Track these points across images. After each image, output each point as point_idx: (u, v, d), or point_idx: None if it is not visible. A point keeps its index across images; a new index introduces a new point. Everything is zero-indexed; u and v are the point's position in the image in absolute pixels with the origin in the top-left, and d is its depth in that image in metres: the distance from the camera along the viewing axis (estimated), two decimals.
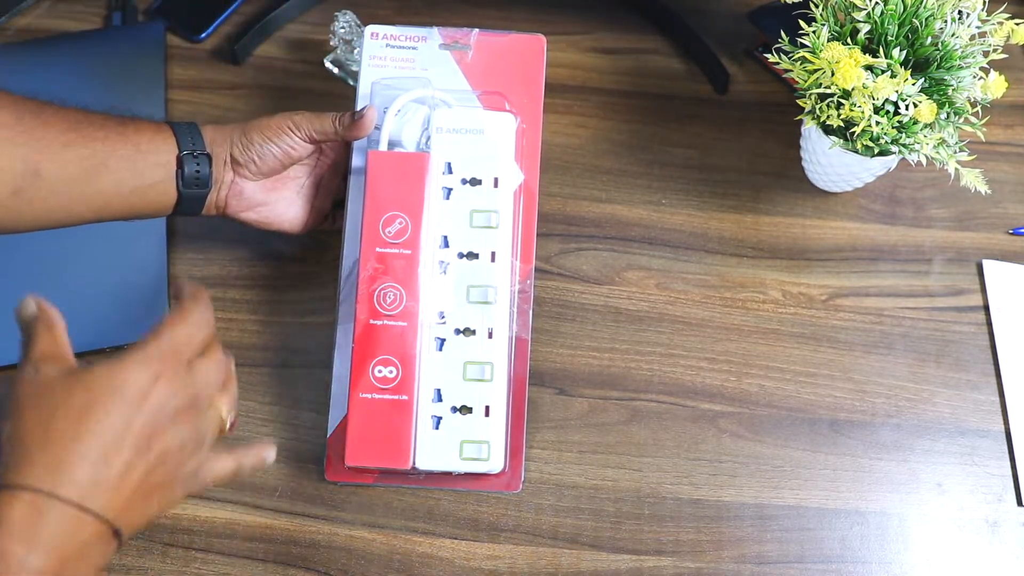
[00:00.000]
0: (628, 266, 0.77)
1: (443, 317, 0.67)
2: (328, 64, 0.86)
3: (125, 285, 0.74)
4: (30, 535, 0.44)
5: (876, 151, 0.70)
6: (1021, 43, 0.69)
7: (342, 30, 0.83)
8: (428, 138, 0.69)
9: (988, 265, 0.78)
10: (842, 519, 0.68)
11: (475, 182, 0.69)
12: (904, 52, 0.69)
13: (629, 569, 0.66)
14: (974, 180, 0.69)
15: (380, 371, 0.65)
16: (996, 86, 0.69)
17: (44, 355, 0.48)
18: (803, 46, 0.69)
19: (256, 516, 0.67)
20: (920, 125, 0.68)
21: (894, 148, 0.69)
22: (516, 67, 0.73)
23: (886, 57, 0.68)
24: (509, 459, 0.67)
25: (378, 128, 0.69)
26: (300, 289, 0.75)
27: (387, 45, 0.73)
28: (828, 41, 0.69)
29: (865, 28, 0.69)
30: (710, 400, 0.72)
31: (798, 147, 0.80)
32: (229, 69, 0.87)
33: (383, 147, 0.69)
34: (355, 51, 0.84)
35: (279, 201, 0.71)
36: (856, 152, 0.71)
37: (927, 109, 0.66)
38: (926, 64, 0.69)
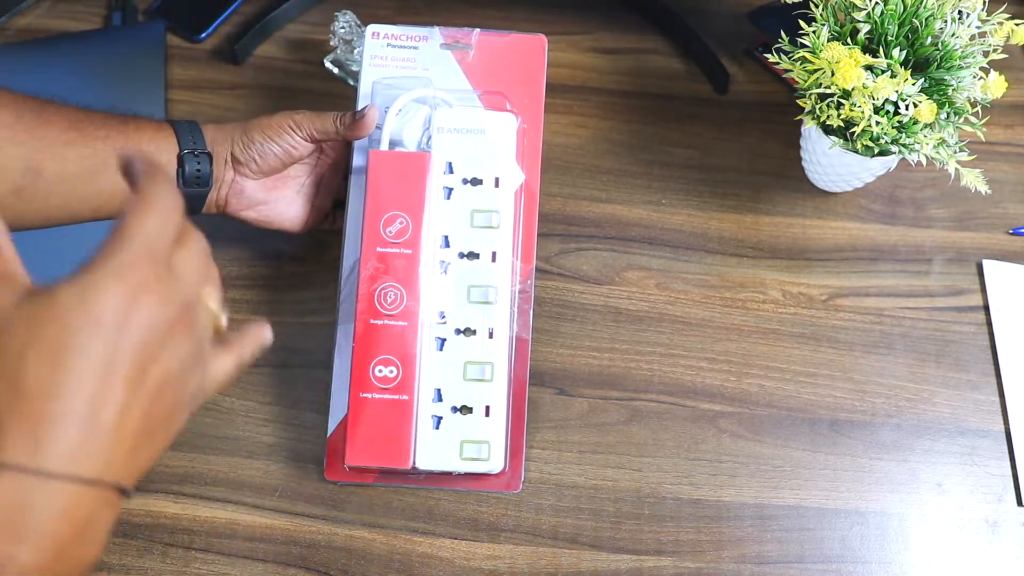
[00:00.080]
0: (628, 266, 0.77)
1: (443, 317, 0.67)
2: (328, 64, 0.86)
3: None
4: (15, 525, 0.36)
5: (876, 151, 0.70)
6: (1021, 43, 0.69)
7: (342, 30, 0.83)
8: (429, 138, 0.69)
9: (988, 265, 0.78)
10: (842, 519, 0.68)
11: (476, 182, 0.69)
12: (904, 52, 0.69)
13: (629, 569, 0.66)
14: (974, 180, 0.69)
15: (380, 371, 0.65)
16: (996, 86, 0.69)
17: None
18: (803, 46, 0.69)
19: (256, 516, 0.67)
20: (920, 125, 0.68)
21: (894, 148, 0.69)
22: (517, 67, 0.73)
23: (886, 57, 0.68)
24: (509, 459, 0.67)
25: (379, 128, 0.69)
26: (300, 289, 0.75)
27: (388, 45, 0.73)
28: (828, 41, 0.69)
29: (865, 28, 0.69)
30: (710, 400, 0.72)
31: (798, 147, 0.80)
32: (229, 69, 0.87)
33: (384, 147, 0.69)
34: (355, 51, 0.84)
35: (279, 200, 0.71)
36: (856, 152, 0.71)
37: (927, 109, 0.66)
38: (926, 64, 0.70)
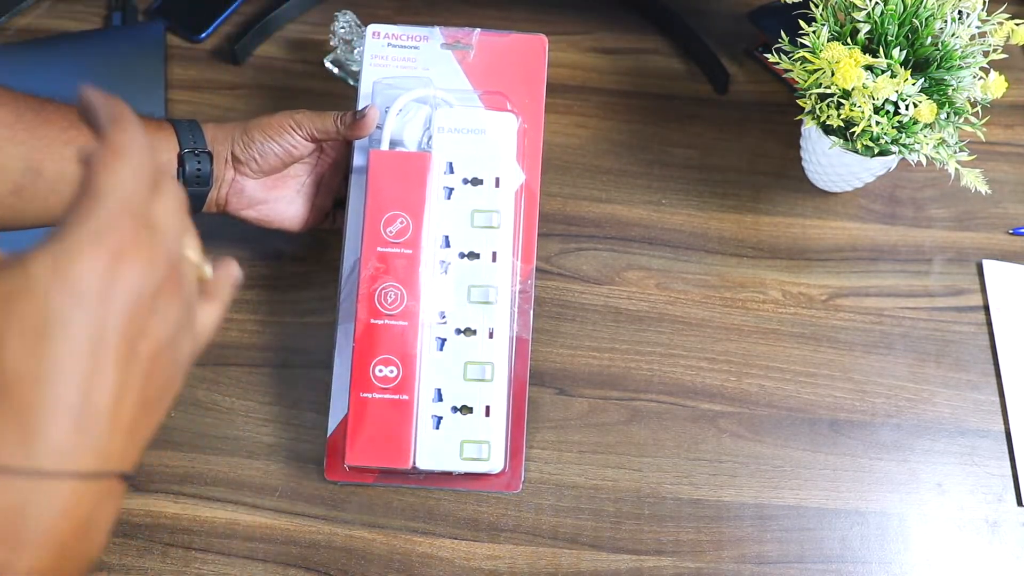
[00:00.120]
0: (628, 266, 0.77)
1: (444, 317, 0.67)
2: (328, 64, 0.86)
3: None
4: (11, 531, 0.33)
5: (876, 151, 0.70)
6: (1021, 43, 0.69)
7: (342, 30, 0.83)
8: (430, 138, 0.69)
9: (988, 265, 0.78)
10: (842, 519, 0.68)
11: (476, 182, 0.69)
12: (904, 52, 0.69)
13: (629, 569, 0.66)
14: (974, 180, 0.69)
15: (380, 371, 0.65)
16: (996, 86, 0.69)
17: None
18: (803, 46, 0.69)
19: (256, 516, 0.67)
20: (920, 125, 0.68)
21: (894, 148, 0.69)
22: (518, 67, 0.73)
23: (886, 57, 0.68)
24: (509, 459, 0.67)
25: (379, 127, 0.69)
26: (300, 289, 0.75)
27: (389, 44, 0.73)
28: (828, 41, 0.69)
29: (865, 28, 0.69)
30: (710, 400, 0.72)
31: (798, 147, 0.80)
32: (229, 69, 0.87)
33: (384, 146, 0.69)
34: (355, 51, 0.84)
35: (280, 199, 0.71)
36: (856, 152, 0.71)
37: (927, 109, 0.66)
38: (926, 64, 0.70)
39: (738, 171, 0.82)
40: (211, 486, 0.68)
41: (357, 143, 0.70)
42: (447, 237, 0.68)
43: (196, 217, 0.68)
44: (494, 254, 0.68)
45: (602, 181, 0.81)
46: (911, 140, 0.68)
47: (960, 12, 0.69)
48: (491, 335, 0.67)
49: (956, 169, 0.69)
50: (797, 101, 0.72)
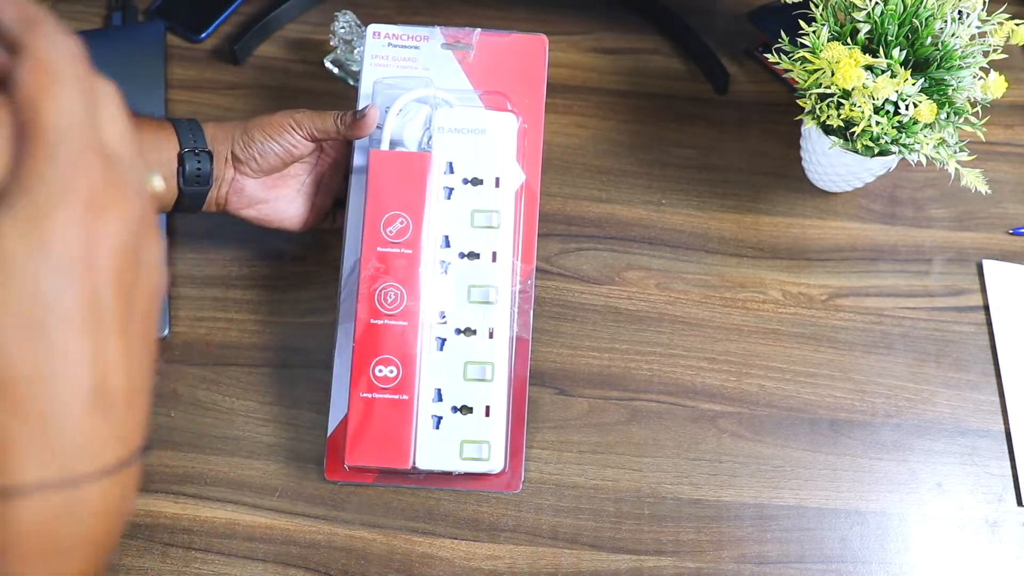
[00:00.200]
0: (628, 266, 0.77)
1: (444, 317, 0.67)
2: (328, 64, 0.86)
3: None
4: (56, 544, 0.30)
5: (876, 151, 0.70)
6: (1021, 43, 0.69)
7: (342, 30, 0.83)
8: (430, 138, 0.69)
9: (988, 265, 0.78)
10: (842, 519, 0.68)
11: (476, 182, 0.69)
12: (904, 52, 0.69)
13: (629, 569, 0.66)
14: (974, 180, 0.69)
15: (380, 371, 0.65)
16: (996, 86, 0.69)
17: None
18: (803, 46, 0.69)
19: (256, 516, 0.67)
20: (920, 125, 0.68)
21: (894, 148, 0.69)
22: (518, 67, 0.73)
23: (886, 57, 0.68)
24: (509, 459, 0.67)
25: (380, 127, 0.69)
26: (300, 289, 0.75)
27: (389, 44, 0.73)
28: (828, 41, 0.69)
29: (865, 28, 0.69)
30: (710, 400, 0.72)
31: (798, 147, 0.80)
32: (229, 69, 0.87)
33: (385, 146, 0.69)
34: (355, 51, 0.84)
35: (280, 199, 0.71)
36: (856, 152, 0.71)
37: (927, 109, 0.66)
38: (926, 64, 0.70)
39: (738, 171, 0.82)
40: (211, 486, 0.68)
41: (357, 143, 0.70)
42: (447, 237, 0.68)
43: (196, 217, 0.69)
44: (494, 254, 0.68)
45: (602, 181, 0.81)
46: (911, 140, 0.68)
47: (960, 12, 0.69)
48: (491, 335, 0.67)
49: (956, 169, 0.69)
50: (797, 101, 0.72)
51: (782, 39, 0.71)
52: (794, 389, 0.72)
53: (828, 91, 0.68)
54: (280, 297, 0.75)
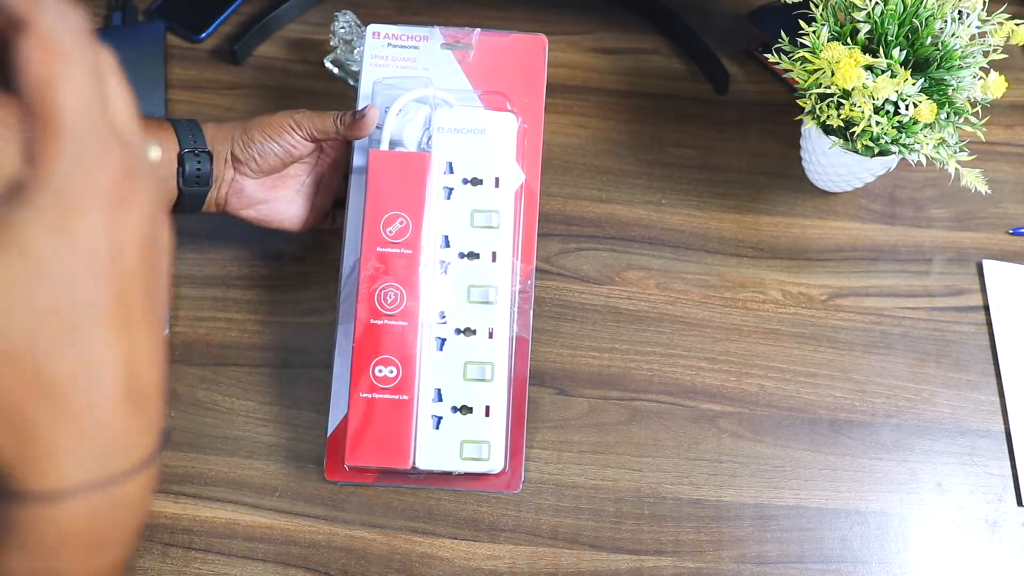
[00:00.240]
0: (628, 266, 0.77)
1: (444, 317, 0.67)
2: (328, 64, 0.86)
3: None
4: (104, 540, 0.31)
5: (876, 151, 0.70)
6: (1021, 43, 0.69)
7: (342, 30, 0.83)
8: (429, 138, 0.69)
9: (988, 265, 0.78)
10: (842, 519, 0.68)
11: (476, 182, 0.69)
12: (904, 52, 0.69)
13: (629, 569, 0.66)
14: (974, 180, 0.69)
15: (380, 371, 0.65)
16: (996, 86, 0.69)
17: None
18: (803, 46, 0.69)
19: (256, 516, 0.67)
20: (920, 125, 0.68)
21: (894, 148, 0.69)
22: (518, 67, 0.73)
23: (886, 57, 0.68)
24: (509, 459, 0.67)
25: (379, 127, 0.69)
26: (300, 289, 0.75)
27: (389, 44, 0.73)
28: (828, 41, 0.69)
29: (865, 28, 0.69)
30: (710, 400, 0.72)
31: (798, 147, 0.80)
32: (229, 69, 0.87)
33: (384, 146, 0.69)
34: (355, 51, 0.84)
35: (279, 199, 0.71)
36: (856, 152, 0.71)
37: (927, 109, 0.66)
38: (926, 64, 0.70)
39: (738, 171, 0.82)
40: (211, 486, 0.68)
41: (357, 143, 0.70)
42: (447, 237, 0.68)
43: (196, 217, 0.69)
44: (494, 254, 0.68)
45: (602, 181, 0.81)
46: (911, 140, 0.68)
47: (960, 12, 0.69)
48: (491, 335, 0.67)
49: (956, 169, 0.69)
50: (797, 101, 0.72)
51: (782, 39, 0.71)
52: (794, 389, 0.72)
53: (828, 91, 0.68)
54: (280, 297, 0.75)
